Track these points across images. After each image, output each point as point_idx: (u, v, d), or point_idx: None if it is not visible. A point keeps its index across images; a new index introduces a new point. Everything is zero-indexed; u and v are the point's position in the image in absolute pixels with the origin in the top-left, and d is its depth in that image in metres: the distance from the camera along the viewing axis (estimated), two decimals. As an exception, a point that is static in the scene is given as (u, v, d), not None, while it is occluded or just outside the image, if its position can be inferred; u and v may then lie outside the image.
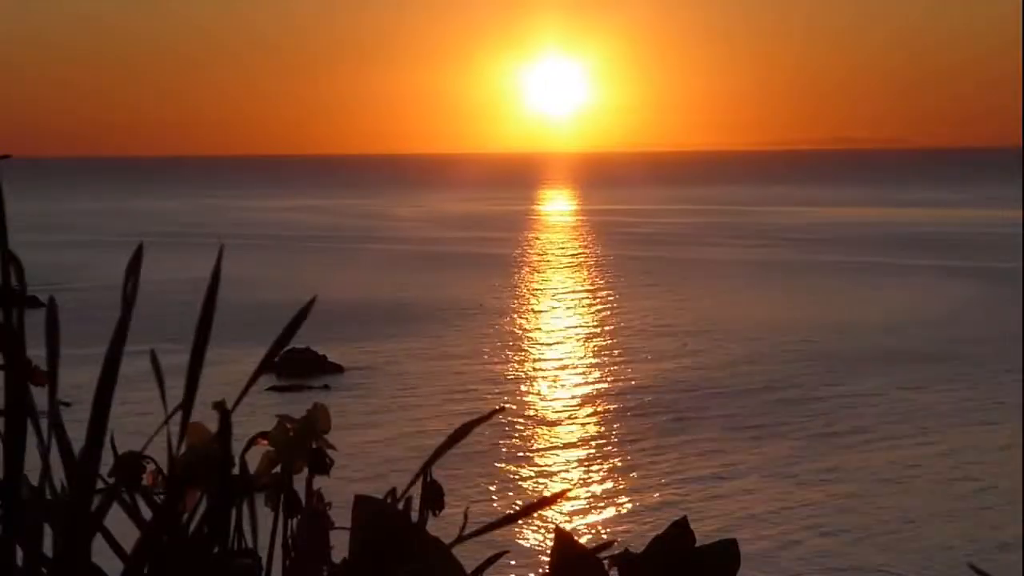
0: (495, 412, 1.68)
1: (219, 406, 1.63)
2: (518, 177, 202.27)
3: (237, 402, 1.64)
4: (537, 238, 75.69)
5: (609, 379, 30.58)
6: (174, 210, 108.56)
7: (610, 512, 20.06)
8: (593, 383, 30.08)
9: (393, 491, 1.92)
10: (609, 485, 21.52)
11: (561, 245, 71.61)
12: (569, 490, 21.07)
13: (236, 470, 1.83)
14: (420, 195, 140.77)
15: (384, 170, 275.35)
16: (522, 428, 25.05)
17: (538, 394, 28.67)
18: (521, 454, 23.20)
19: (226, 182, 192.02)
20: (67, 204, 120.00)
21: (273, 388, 28.10)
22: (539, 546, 16.87)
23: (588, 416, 26.61)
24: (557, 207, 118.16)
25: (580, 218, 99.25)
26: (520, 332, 37.41)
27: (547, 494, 1.76)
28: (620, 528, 19.08)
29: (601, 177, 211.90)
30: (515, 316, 40.84)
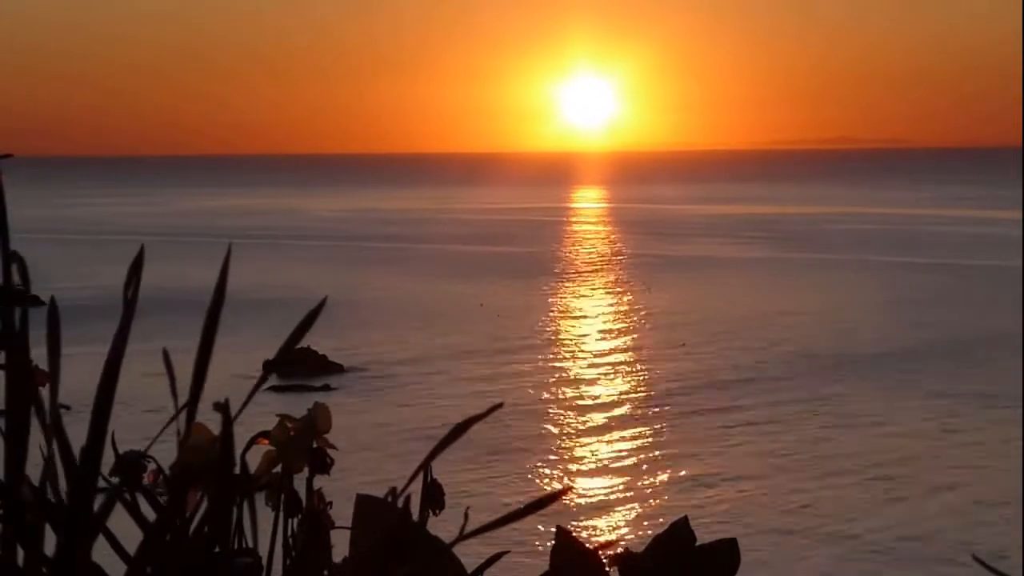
0: (494, 408, 1.69)
1: (220, 407, 1.63)
2: (546, 176, 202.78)
3: (243, 406, 1.64)
4: (542, 237, 75.70)
5: (610, 376, 30.57)
6: (210, 208, 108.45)
7: (611, 510, 20.07)
8: (594, 381, 30.09)
9: (393, 490, 1.93)
10: (611, 484, 21.53)
11: (568, 243, 71.69)
12: (570, 488, 21.07)
13: (237, 470, 1.83)
14: (449, 192, 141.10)
15: (425, 167, 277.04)
16: (523, 426, 25.05)
17: (540, 391, 28.67)
18: (521, 453, 23.21)
19: (279, 180, 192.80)
20: (78, 201, 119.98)
21: (273, 388, 28.09)
22: (540, 545, 16.88)
23: (590, 414, 26.61)
24: (569, 205, 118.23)
25: (584, 216, 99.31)
26: (522, 330, 37.43)
27: (548, 492, 1.75)
28: (621, 527, 19.10)
29: (614, 176, 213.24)
30: (516, 314, 40.86)
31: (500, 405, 1.70)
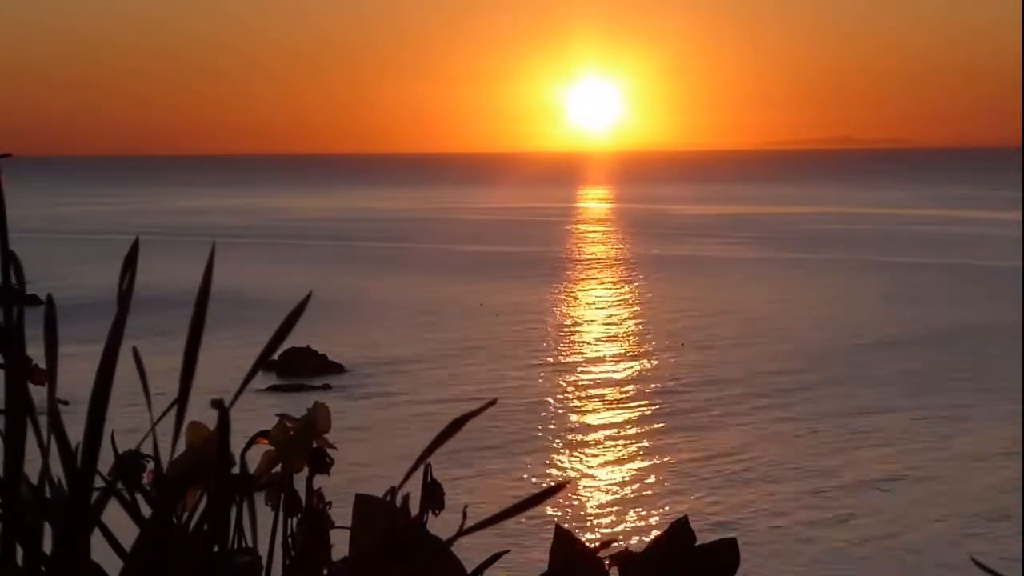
0: (488, 404, 1.68)
1: (217, 404, 1.63)
2: (552, 176, 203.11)
3: (235, 399, 1.64)
4: (546, 237, 75.69)
5: (610, 376, 30.58)
6: (210, 208, 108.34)
7: (611, 509, 20.07)
8: (595, 380, 30.10)
9: (392, 489, 1.92)
10: (611, 483, 21.54)
11: (571, 243, 71.71)
12: (568, 484, 21.07)
13: (236, 469, 1.83)
14: (456, 192, 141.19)
15: (432, 167, 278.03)
16: (523, 425, 25.05)
17: (540, 390, 28.68)
18: (521, 450, 23.21)
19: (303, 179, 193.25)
20: (78, 201, 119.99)
21: (273, 387, 28.10)
22: (539, 544, 16.88)
23: (591, 413, 26.63)
24: (574, 205, 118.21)
25: (589, 216, 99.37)
26: (521, 329, 37.44)
27: (546, 488, 1.75)
28: (621, 526, 19.10)
29: (619, 176, 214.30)
30: (515, 314, 40.87)
31: (494, 402, 1.70)
